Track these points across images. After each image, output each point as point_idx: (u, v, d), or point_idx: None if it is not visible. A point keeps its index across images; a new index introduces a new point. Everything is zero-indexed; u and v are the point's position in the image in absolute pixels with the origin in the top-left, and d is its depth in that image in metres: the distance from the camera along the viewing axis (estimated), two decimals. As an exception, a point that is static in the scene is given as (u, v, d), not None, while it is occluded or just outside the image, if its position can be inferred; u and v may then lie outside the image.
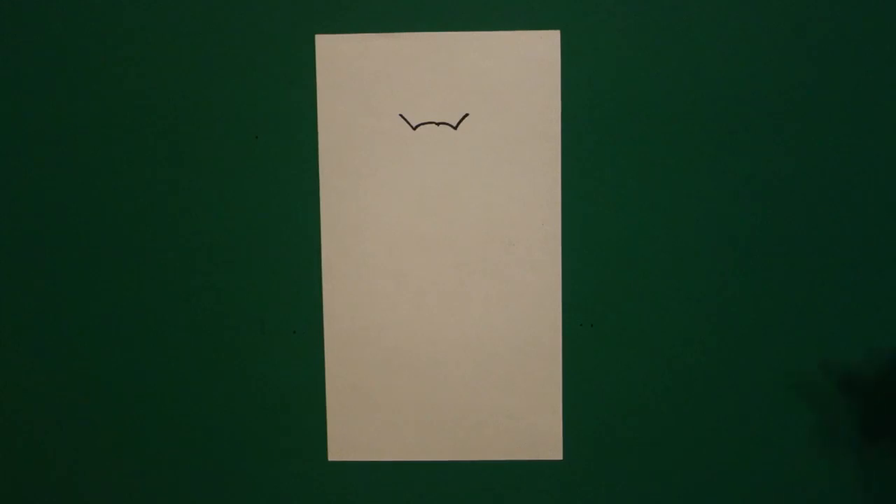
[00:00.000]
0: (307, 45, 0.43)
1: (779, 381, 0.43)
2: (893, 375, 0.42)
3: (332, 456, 0.45)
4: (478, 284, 0.44)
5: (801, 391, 0.43)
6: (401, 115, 0.43)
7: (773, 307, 0.43)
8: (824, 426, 0.43)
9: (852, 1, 0.42)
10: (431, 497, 0.45)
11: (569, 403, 0.44)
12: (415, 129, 0.43)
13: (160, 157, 0.44)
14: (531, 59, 0.43)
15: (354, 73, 0.43)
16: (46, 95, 0.44)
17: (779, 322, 0.43)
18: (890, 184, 0.43)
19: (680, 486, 0.44)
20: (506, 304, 0.44)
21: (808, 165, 0.43)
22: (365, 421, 0.45)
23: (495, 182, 0.43)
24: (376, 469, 0.45)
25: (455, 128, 0.43)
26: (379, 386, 0.45)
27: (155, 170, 0.44)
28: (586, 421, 0.44)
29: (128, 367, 0.45)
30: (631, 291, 0.43)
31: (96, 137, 0.44)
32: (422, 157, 0.43)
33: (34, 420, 0.46)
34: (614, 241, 0.43)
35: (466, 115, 0.43)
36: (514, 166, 0.43)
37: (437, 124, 0.43)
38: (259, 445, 0.45)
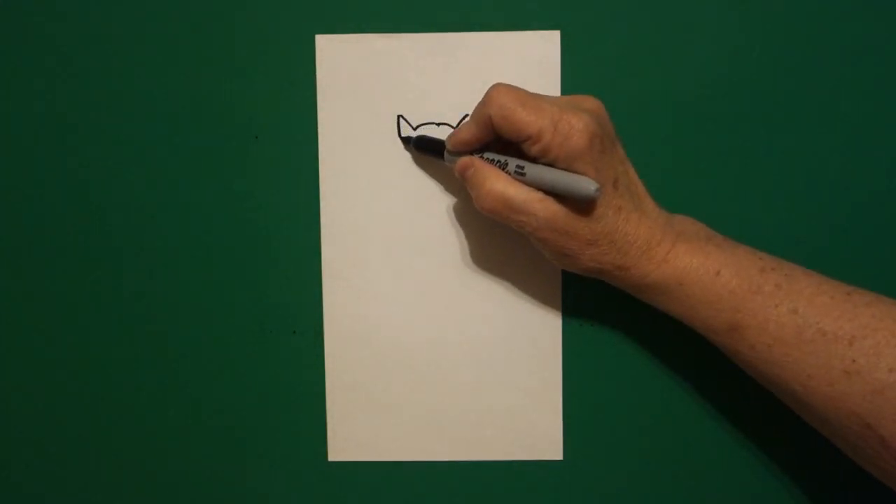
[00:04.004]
0: (307, 45, 0.43)
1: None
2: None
3: (332, 456, 0.45)
4: (478, 284, 0.44)
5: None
6: (401, 116, 0.43)
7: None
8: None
9: (858, 2, 0.42)
10: (431, 497, 0.45)
11: (569, 403, 0.44)
12: (415, 129, 0.43)
13: (159, 156, 0.44)
14: (531, 59, 0.43)
15: (354, 73, 0.43)
16: (43, 95, 0.44)
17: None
18: (891, 185, 0.43)
19: (680, 486, 0.44)
20: (506, 304, 0.44)
21: (809, 165, 0.43)
22: (365, 421, 0.45)
23: (495, 182, 0.43)
24: (376, 469, 0.45)
25: (455, 128, 0.43)
26: (379, 386, 0.45)
27: (154, 169, 0.44)
28: (586, 421, 0.44)
29: (126, 367, 0.45)
30: (631, 291, 0.43)
31: (94, 137, 0.44)
32: (422, 157, 0.43)
33: (30, 420, 0.46)
34: (614, 242, 0.43)
35: (466, 115, 0.43)
36: (514, 166, 0.43)
37: (438, 125, 0.43)
38: (259, 445, 0.45)
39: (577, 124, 0.35)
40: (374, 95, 0.43)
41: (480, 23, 0.43)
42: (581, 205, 0.36)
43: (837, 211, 0.43)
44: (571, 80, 0.43)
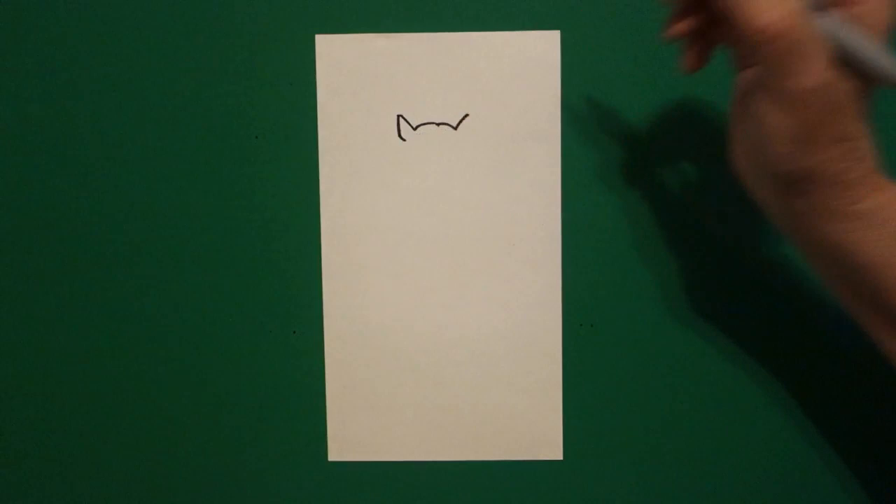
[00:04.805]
0: (307, 45, 0.43)
1: (781, 381, 0.43)
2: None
3: (332, 456, 0.45)
4: (478, 284, 0.44)
5: (803, 391, 0.43)
6: (401, 116, 0.43)
7: (777, 307, 0.43)
8: (828, 427, 0.43)
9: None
10: (431, 497, 0.45)
11: (569, 403, 0.44)
12: (415, 129, 0.43)
13: (159, 156, 0.44)
14: (531, 59, 0.43)
15: (354, 73, 0.43)
16: (43, 95, 0.44)
17: (782, 321, 0.43)
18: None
19: (680, 486, 0.44)
20: (506, 304, 0.44)
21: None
22: (365, 421, 0.45)
23: (495, 182, 0.43)
24: (376, 469, 0.45)
25: (455, 128, 0.43)
26: (379, 386, 0.45)
27: (154, 169, 0.44)
28: (586, 421, 0.44)
29: (126, 367, 0.45)
30: (631, 291, 0.43)
31: (94, 137, 0.44)
32: (422, 157, 0.43)
33: (30, 420, 0.46)
34: (614, 242, 0.43)
35: (466, 115, 0.43)
36: (514, 166, 0.43)
37: (438, 125, 0.43)
38: (259, 445, 0.45)
39: None
40: (374, 95, 0.43)
41: (480, 23, 0.43)
42: (867, 89, 0.32)
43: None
44: (571, 80, 0.43)
